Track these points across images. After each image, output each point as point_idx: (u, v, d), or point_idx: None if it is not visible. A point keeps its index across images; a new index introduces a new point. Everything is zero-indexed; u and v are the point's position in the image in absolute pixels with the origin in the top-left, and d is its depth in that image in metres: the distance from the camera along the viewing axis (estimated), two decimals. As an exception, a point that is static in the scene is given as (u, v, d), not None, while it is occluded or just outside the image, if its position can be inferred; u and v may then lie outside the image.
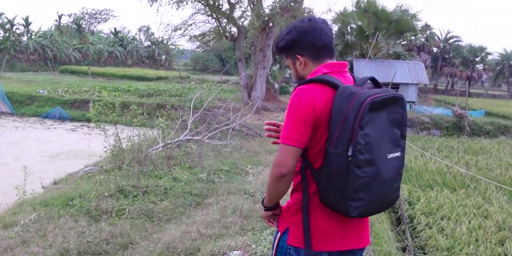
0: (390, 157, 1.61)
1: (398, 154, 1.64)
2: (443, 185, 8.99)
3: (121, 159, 6.89)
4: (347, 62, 1.86)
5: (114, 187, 5.32)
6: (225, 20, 17.00)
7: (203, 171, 6.78)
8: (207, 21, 17.18)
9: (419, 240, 6.30)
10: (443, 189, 8.69)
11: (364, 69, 19.48)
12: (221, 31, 17.35)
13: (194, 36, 18.01)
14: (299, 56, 1.80)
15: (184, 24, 16.96)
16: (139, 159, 6.96)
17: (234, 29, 18.30)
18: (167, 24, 17.31)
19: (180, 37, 18.02)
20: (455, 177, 9.82)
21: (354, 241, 1.75)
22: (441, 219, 6.92)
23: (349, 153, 1.54)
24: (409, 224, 7.08)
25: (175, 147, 8.52)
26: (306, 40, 1.77)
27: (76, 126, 17.39)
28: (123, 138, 7.05)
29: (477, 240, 5.98)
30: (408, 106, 23.09)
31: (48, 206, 5.00)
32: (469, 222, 6.63)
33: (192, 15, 16.61)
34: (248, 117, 11.94)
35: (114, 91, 28.16)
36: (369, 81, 1.74)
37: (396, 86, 21.81)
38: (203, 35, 18.11)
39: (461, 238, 5.97)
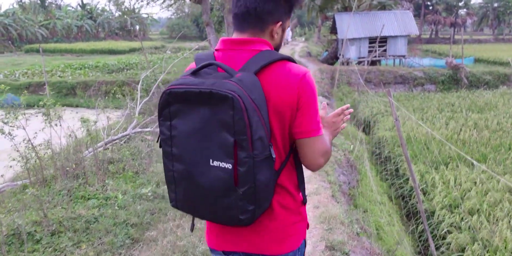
0: (214, 164, 1.32)
1: (228, 166, 1.30)
2: (458, 159, 7.39)
3: (41, 172, 5.12)
4: (251, 39, 1.43)
5: (5, 231, 3.59)
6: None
7: (151, 181, 5.04)
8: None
9: (447, 250, 4.72)
10: (461, 166, 7.10)
11: (348, 24, 17.47)
12: (183, -8, 15.14)
13: (153, 0, 15.81)
14: None
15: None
16: (68, 169, 5.19)
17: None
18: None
19: (137, 3, 15.79)
20: (470, 145, 8.23)
21: (230, 243, 1.53)
22: (469, 214, 5.36)
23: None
24: (428, 221, 5.53)
25: (124, 143, 6.75)
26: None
27: (30, 114, 15.40)
28: (39, 145, 5.25)
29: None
30: (398, 60, 21.27)
31: None
32: (510, 218, 5.03)
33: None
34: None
35: (80, 69, 26.03)
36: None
37: (384, 39, 19.88)
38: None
39: (505, 248, 4.39)
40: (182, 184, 1.42)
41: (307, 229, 1.60)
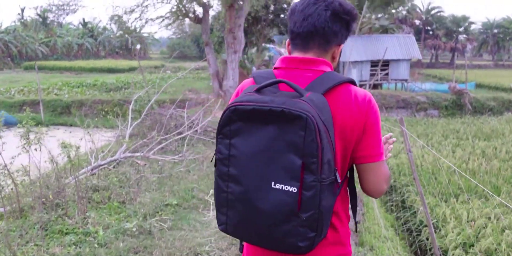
0: (276, 187, 1.25)
1: (292, 189, 1.23)
2: (469, 191, 6.94)
3: (17, 201, 4.65)
4: (315, 59, 1.41)
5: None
6: (186, -2, 14.57)
7: (137, 213, 4.57)
8: (166, 1, 14.70)
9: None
10: (472, 198, 6.64)
11: (350, 47, 17.24)
12: (184, 11, 14.90)
13: (152, 19, 15.58)
14: (288, 41, 1.53)
15: (139, 6, 14.51)
16: (45, 199, 4.73)
17: (199, 9, 15.92)
18: (116, 6, 14.76)
19: (135, 22, 15.58)
20: (480, 176, 7.78)
21: None
22: (486, 254, 4.88)
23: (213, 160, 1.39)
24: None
25: (113, 168, 6.30)
26: (289, 23, 1.49)
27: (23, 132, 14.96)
28: (17, 170, 4.79)
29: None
30: (400, 84, 21.02)
31: None
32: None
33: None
34: (217, 113, 9.51)
35: (78, 87, 25.71)
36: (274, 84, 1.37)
37: (386, 63, 19.64)
38: (162, 17, 15.64)
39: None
40: (236, 207, 1.33)
41: None
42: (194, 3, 14.70)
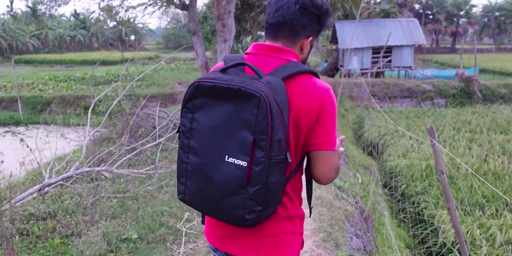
0: (229, 160, 1.34)
1: (243, 163, 1.32)
2: (496, 201, 5.87)
3: None
4: (283, 48, 1.50)
5: None
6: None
7: (83, 254, 3.50)
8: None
9: None
10: (500, 210, 5.57)
11: (352, 33, 16.03)
12: (168, -2, 13.71)
13: (133, 7, 14.39)
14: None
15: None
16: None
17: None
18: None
19: (116, 9, 14.40)
20: (505, 179, 6.72)
21: (230, 244, 1.53)
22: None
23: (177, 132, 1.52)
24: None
25: (71, 184, 5.20)
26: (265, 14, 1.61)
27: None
28: None
29: None
30: (403, 72, 19.84)
31: None
32: None
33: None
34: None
35: (66, 81, 24.54)
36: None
37: (389, 49, 18.43)
38: (144, 4, 14.44)
39: None
40: (194, 177, 1.41)
41: (301, 248, 1.59)
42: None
